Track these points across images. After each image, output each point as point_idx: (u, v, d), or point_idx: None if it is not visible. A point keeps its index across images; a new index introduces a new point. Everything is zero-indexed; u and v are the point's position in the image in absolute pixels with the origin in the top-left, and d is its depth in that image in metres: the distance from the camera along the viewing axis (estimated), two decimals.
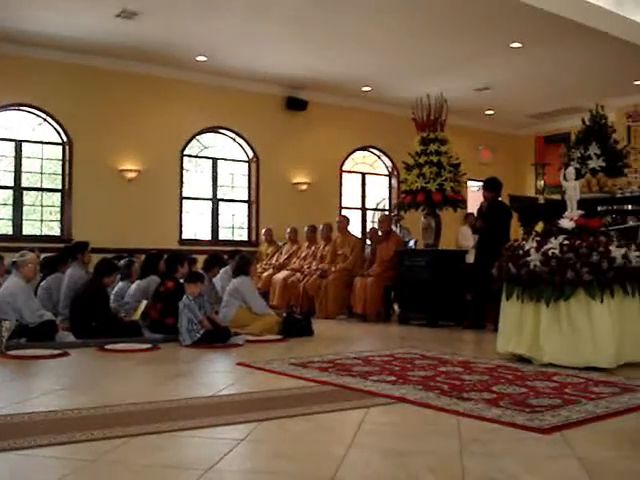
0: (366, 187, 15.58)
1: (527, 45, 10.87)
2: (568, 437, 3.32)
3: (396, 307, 10.16)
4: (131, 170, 12.19)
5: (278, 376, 5.06)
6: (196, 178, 13.38)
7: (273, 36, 10.72)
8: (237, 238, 13.73)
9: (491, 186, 8.78)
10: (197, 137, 13.25)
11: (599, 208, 6.26)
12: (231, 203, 13.78)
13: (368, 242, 11.22)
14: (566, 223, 5.67)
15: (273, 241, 12.77)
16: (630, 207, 6.19)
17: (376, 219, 13.02)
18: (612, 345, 5.31)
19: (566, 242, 5.47)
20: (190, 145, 13.14)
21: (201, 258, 9.52)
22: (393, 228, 11.62)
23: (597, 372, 5.19)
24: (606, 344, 5.29)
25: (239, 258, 8.29)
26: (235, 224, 13.84)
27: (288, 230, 12.25)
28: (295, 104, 13.87)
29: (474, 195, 16.22)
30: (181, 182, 12.91)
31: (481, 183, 16.03)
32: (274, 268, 11.77)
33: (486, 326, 8.39)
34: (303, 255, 11.59)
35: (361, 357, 5.97)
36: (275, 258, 12.23)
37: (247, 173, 13.85)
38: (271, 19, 9.95)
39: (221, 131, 13.50)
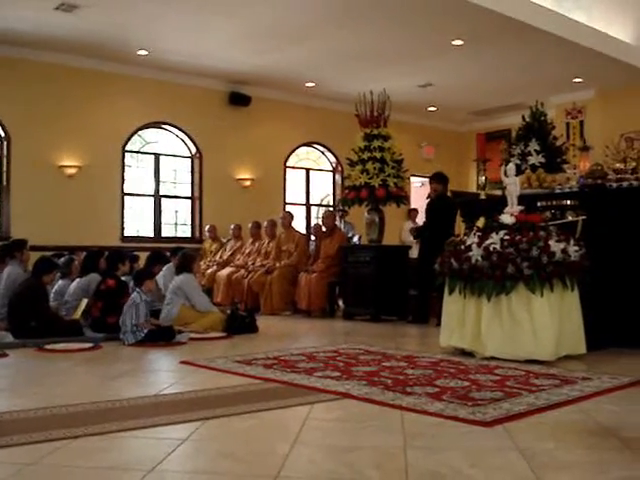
0: (310, 183, 15.59)
1: (469, 42, 10.99)
2: (510, 429, 3.36)
3: (340, 303, 10.19)
4: (71, 166, 11.95)
5: (222, 374, 5.02)
6: (138, 174, 13.20)
7: (216, 31, 10.63)
8: (180, 235, 13.60)
9: (439, 179, 8.93)
10: (139, 132, 13.07)
11: (539, 203, 6.36)
12: (174, 199, 13.64)
13: (312, 238, 11.24)
14: (507, 218, 5.75)
15: (217, 238, 12.68)
16: (569, 202, 6.30)
17: (320, 215, 13.03)
18: (552, 338, 5.41)
19: (507, 237, 5.55)
20: (132, 141, 12.95)
21: (143, 255, 9.40)
22: (338, 224, 11.67)
23: (538, 365, 5.28)
24: (546, 337, 5.39)
25: (182, 255, 8.20)
26: (178, 221, 13.71)
27: (232, 226, 12.19)
28: (238, 99, 13.78)
29: (418, 191, 16.41)
30: (122, 178, 12.71)
31: (424, 179, 16.33)
32: (218, 265, 11.69)
33: (430, 320, 8.49)
34: (247, 251, 11.54)
35: (306, 353, 5.97)
36: (219, 255, 12.16)
37: (190, 169, 13.72)
38: (214, 14, 9.86)
39: (163, 126, 13.34)
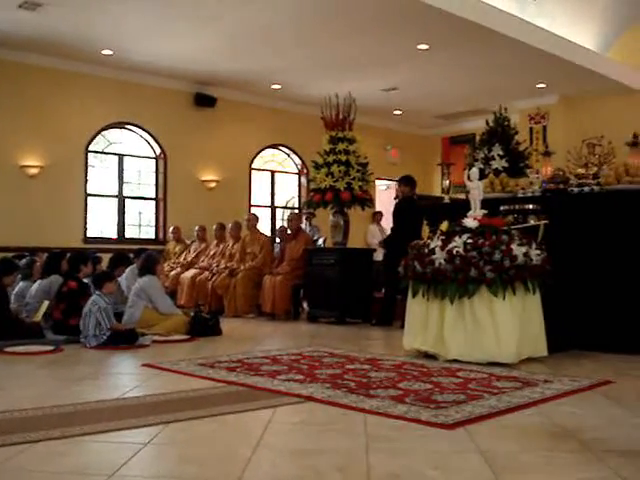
0: (275, 185, 15.58)
1: (434, 47, 11.07)
2: (472, 432, 3.39)
3: (305, 305, 10.19)
4: (33, 166, 11.78)
5: (185, 377, 4.99)
6: (102, 174, 13.07)
7: (182, 32, 10.57)
8: (144, 236, 13.49)
9: (406, 182, 9.01)
10: (103, 133, 12.95)
11: (502, 207, 6.42)
12: (138, 200, 13.53)
13: (277, 240, 11.22)
14: (470, 222, 5.80)
15: (181, 239, 12.61)
16: (531, 207, 6.37)
17: (286, 217, 13.03)
18: (514, 341, 5.46)
19: (470, 241, 5.60)
20: (95, 141, 12.82)
21: (106, 257, 9.31)
22: (303, 226, 11.68)
23: (500, 367, 5.33)
24: (508, 340, 5.45)
25: (145, 257, 8.14)
26: (142, 222, 13.60)
27: (196, 228, 12.13)
28: (204, 100, 13.72)
29: (383, 194, 16.47)
30: (86, 179, 12.57)
31: (390, 182, 16.41)
32: (182, 267, 11.62)
33: (394, 323, 8.52)
34: (212, 253, 11.49)
35: (269, 356, 5.96)
36: (183, 256, 12.08)
37: (154, 170, 13.62)
38: (179, 14, 9.80)
39: (128, 127, 13.23)
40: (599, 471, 2.80)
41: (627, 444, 3.22)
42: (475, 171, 6.17)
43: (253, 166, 14.98)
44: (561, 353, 6.07)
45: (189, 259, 11.82)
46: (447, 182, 7.39)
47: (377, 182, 15.89)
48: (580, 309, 6.31)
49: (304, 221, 12.49)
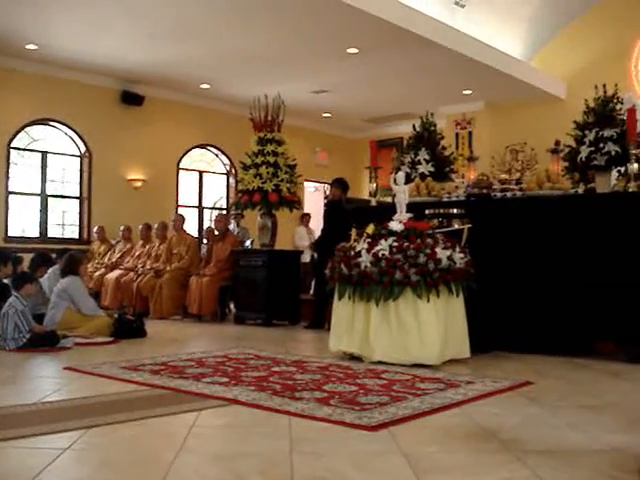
0: (203, 185, 15.45)
1: (363, 51, 11.15)
2: (395, 433, 3.42)
3: (232, 307, 10.14)
4: None
5: (108, 380, 4.90)
6: (24, 172, 12.72)
7: (109, 28, 10.37)
8: (68, 236, 13.18)
9: (337, 184, 9.07)
10: (26, 129, 12.60)
11: (427, 211, 6.51)
12: (62, 199, 13.23)
13: (205, 241, 11.14)
14: (395, 226, 5.86)
15: (106, 239, 12.38)
16: (455, 211, 6.48)
17: (213, 218, 12.93)
18: (438, 343, 5.55)
19: (395, 244, 5.66)
20: (18, 137, 12.47)
21: (28, 257, 9.07)
22: (232, 227, 11.63)
23: (424, 369, 5.41)
24: (432, 342, 5.53)
25: (68, 257, 7.95)
26: (66, 221, 13.29)
27: (122, 228, 11.93)
28: (131, 99, 13.51)
29: (311, 196, 16.52)
30: (7, 176, 12.22)
31: (318, 184, 16.47)
32: (106, 267, 11.42)
33: (325, 325, 8.54)
34: (137, 254, 11.32)
35: (194, 359, 5.90)
36: (108, 257, 11.87)
37: (79, 168, 13.34)
38: (107, 11, 9.62)
39: (52, 124, 12.91)
40: (518, 471, 2.86)
41: (545, 444, 3.30)
42: (401, 175, 6.24)
43: (181, 166, 14.82)
44: (484, 354, 6.20)
45: (114, 260, 11.62)
46: (374, 185, 7.45)
47: (306, 184, 15.93)
48: (502, 311, 6.46)
49: (232, 222, 12.42)
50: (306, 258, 10.07)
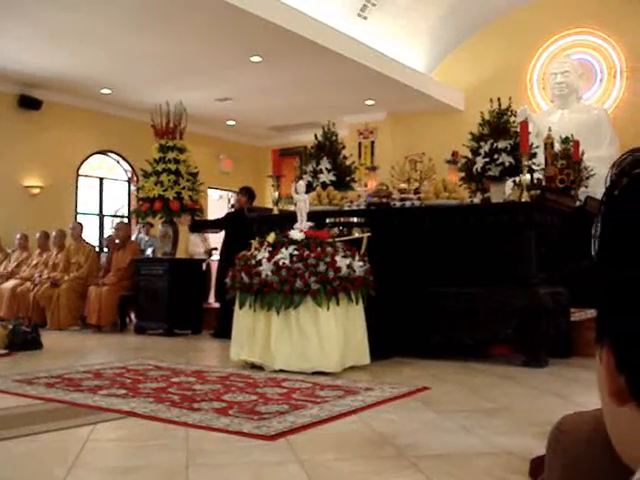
0: (104, 192, 15.11)
1: (267, 60, 11.17)
2: (293, 442, 3.43)
3: (133, 317, 9.96)
4: None
5: (0, 395, 4.73)
6: None
7: (5, 30, 10.03)
8: None
9: (244, 192, 9.08)
10: None
11: (328, 220, 6.58)
12: None
13: (105, 250, 10.91)
14: (296, 234, 5.90)
15: (1, 248, 11.94)
16: (356, 219, 6.57)
17: (114, 226, 12.66)
18: (338, 350, 5.61)
19: (296, 252, 5.69)
20: None
21: None
22: (141, 236, 11.46)
23: (324, 376, 5.45)
24: (332, 349, 5.58)
25: None
26: None
27: (18, 236, 11.53)
28: (29, 103, 13.08)
29: (216, 203, 16.41)
30: None
31: (222, 192, 16.38)
32: (2, 277, 11.02)
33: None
34: (34, 263, 10.98)
35: (92, 370, 5.77)
36: (3, 266, 11.46)
37: None
38: (3, 13, 9.30)
39: None
40: (412, 476, 2.92)
41: (440, 448, 3.38)
42: (302, 184, 6.29)
43: (81, 172, 14.45)
44: (384, 361, 6.29)
45: (9, 269, 11.22)
46: (277, 194, 7.47)
47: (210, 191, 15.81)
48: (401, 318, 6.57)
49: (142, 231, 12.23)
50: (203, 265, 10.02)
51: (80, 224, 10.91)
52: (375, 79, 12.03)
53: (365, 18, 11.82)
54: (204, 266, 10.38)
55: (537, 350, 6.13)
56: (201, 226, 9.93)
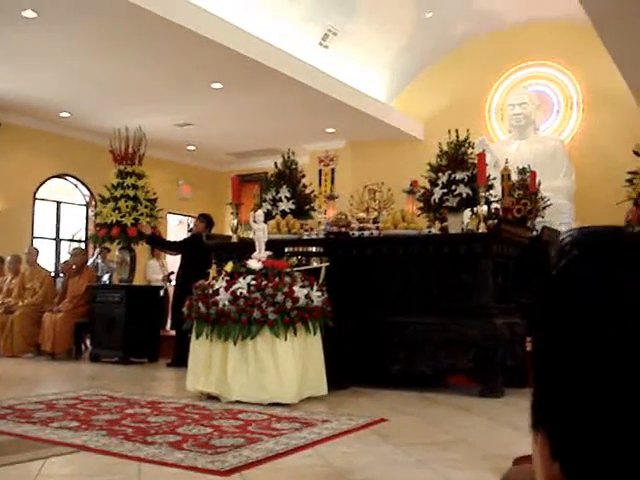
0: (61, 216, 14.92)
1: (228, 86, 11.17)
2: (247, 477, 3.39)
3: (88, 343, 9.80)
4: None
5: None
6: None
7: None
8: None
9: (204, 218, 9.05)
10: None
11: (286, 249, 6.57)
12: None
13: (61, 275, 10.75)
14: (254, 264, 5.88)
15: None
16: (314, 249, 6.57)
17: (71, 251, 12.49)
18: (295, 381, 5.57)
19: (253, 282, 5.67)
20: None
21: None
22: (99, 262, 11.32)
23: (281, 407, 5.40)
24: (289, 380, 5.55)
25: None
26: None
27: None
28: None
29: (175, 229, 16.30)
30: None
31: (182, 217, 16.29)
32: None
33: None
34: None
35: (45, 401, 5.65)
36: None
37: None
38: None
39: None
40: None
41: None
42: (260, 213, 6.28)
43: (37, 196, 14.26)
44: (342, 391, 6.27)
45: None
46: (235, 222, 7.44)
47: (169, 217, 15.70)
48: (358, 347, 6.56)
49: (99, 257, 12.09)
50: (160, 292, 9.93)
51: (36, 249, 10.75)
52: (335, 107, 12.11)
53: (326, 47, 11.92)
54: (162, 292, 10.28)
55: (494, 380, 6.16)
56: (159, 242, 9.79)
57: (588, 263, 0.59)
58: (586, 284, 0.58)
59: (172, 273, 11.20)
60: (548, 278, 0.62)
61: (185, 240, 9.22)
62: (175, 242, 9.50)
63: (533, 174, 9.37)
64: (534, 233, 8.91)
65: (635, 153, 6.20)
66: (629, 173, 6.30)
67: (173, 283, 10.82)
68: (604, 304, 0.56)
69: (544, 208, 9.54)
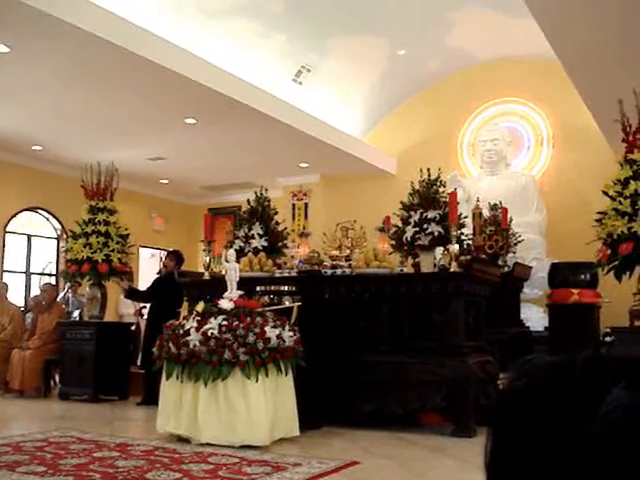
0: (32, 250, 14.76)
1: (201, 121, 11.18)
2: None
3: (57, 380, 9.65)
4: None
5: None
6: None
7: None
8: None
9: (174, 255, 8.99)
10: None
11: (258, 288, 6.54)
12: None
13: (30, 311, 10.61)
14: (225, 304, 5.84)
15: None
16: (286, 288, 6.54)
17: (41, 285, 12.35)
18: (266, 423, 5.51)
19: (225, 323, 5.63)
20: None
21: None
22: (69, 297, 11.18)
23: (252, 450, 5.34)
24: (261, 422, 5.49)
25: None
26: None
27: None
28: None
29: (147, 262, 16.18)
30: None
31: (154, 250, 16.19)
32: None
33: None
34: None
35: (12, 443, 5.54)
36: None
37: None
38: None
39: None
40: None
41: None
42: (232, 252, 6.26)
43: (8, 229, 14.11)
44: (314, 431, 6.22)
45: None
46: (208, 259, 7.41)
47: (142, 250, 15.60)
48: (331, 387, 6.52)
49: (70, 292, 11.94)
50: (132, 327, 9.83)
51: (5, 284, 10.61)
52: (309, 142, 12.16)
53: (300, 83, 12.00)
54: (133, 327, 10.17)
55: (466, 419, 6.15)
56: (137, 295, 9.68)
57: (534, 396, 0.63)
58: (530, 413, 0.62)
59: (144, 307, 11.10)
60: (500, 392, 0.66)
61: (154, 282, 9.09)
62: (149, 289, 9.27)
63: (504, 210, 9.46)
64: (506, 269, 8.97)
65: (604, 193, 6.26)
66: (598, 213, 6.36)
67: (145, 317, 10.72)
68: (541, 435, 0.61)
69: (516, 244, 9.62)
